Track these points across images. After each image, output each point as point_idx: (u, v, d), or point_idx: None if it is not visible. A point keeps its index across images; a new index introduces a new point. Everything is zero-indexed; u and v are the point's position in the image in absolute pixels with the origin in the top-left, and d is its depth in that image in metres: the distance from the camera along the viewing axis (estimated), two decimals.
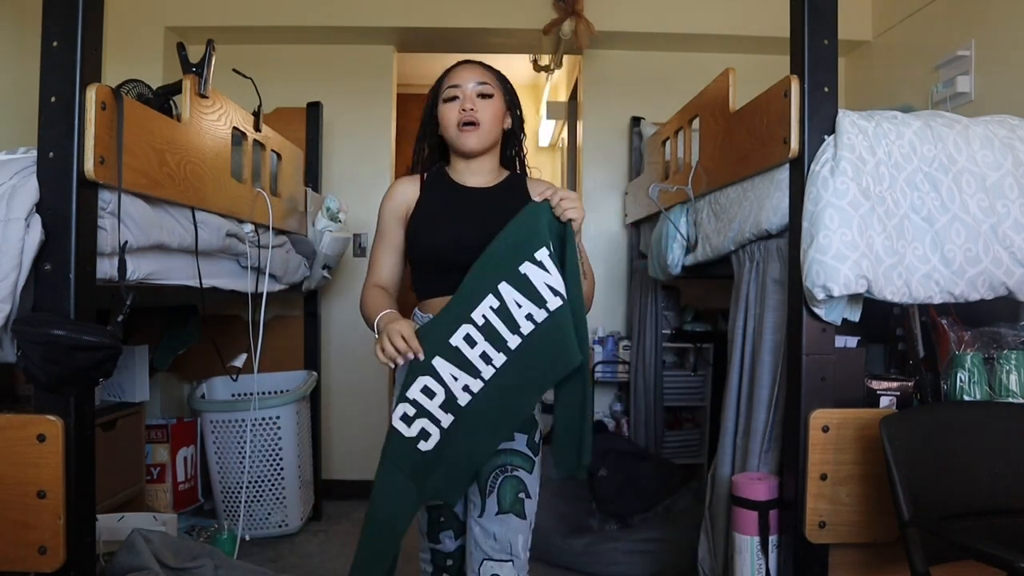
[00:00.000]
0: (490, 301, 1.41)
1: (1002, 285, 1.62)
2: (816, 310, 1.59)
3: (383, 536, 1.42)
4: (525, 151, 1.69)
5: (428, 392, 1.41)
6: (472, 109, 1.53)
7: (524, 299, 1.40)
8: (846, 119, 1.58)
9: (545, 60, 4.21)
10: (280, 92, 3.21)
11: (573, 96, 4.29)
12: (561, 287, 1.40)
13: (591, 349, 3.58)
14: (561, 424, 1.46)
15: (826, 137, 1.60)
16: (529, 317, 1.40)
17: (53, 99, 1.40)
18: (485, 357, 1.41)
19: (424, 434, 1.41)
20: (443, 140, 1.60)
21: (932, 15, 3.00)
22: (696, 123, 2.42)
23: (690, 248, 2.41)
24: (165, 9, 3.40)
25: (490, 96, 1.56)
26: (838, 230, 1.51)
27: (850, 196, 1.52)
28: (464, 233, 1.50)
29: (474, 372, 1.41)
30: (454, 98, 1.55)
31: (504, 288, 1.40)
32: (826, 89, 1.60)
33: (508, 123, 1.62)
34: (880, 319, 1.90)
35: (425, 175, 1.61)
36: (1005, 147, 1.64)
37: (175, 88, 2.00)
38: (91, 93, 1.41)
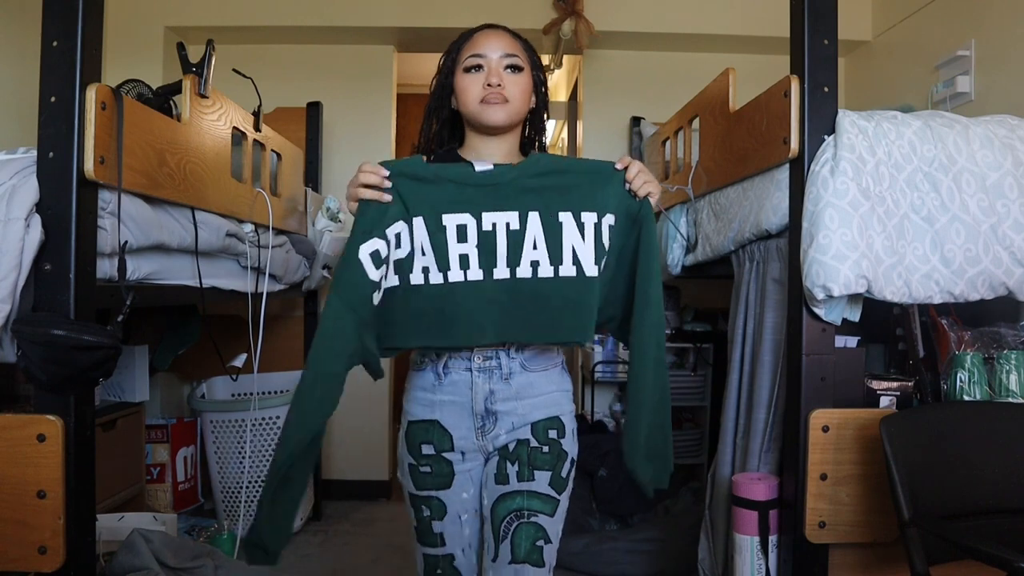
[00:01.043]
0: (509, 217, 1.25)
1: (1002, 285, 1.62)
2: (816, 310, 1.59)
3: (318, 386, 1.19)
4: (545, 128, 1.51)
5: (398, 242, 1.25)
6: (499, 85, 1.32)
7: (544, 243, 1.25)
8: (846, 119, 1.58)
9: (545, 60, 4.21)
10: (280, 92, 3.21)
11: (573, 96, 4.29)
12: (590, 263, 1.26)
13: (591, 348, 3.58)
14: (632, 424, 1.27)
15: (826, 137, 1.60)
16: (534, 264, 1.25)
17: (53, 99, 1.40)
18: (464, 261, 1.24)
19: (377, 286, 1.22)
20: (455, 116, 1.41)
21: (932, 15, 3.00)
22: (696, 123, 2.42)
23: (690, 248, 2.41)
24: (165, 9, 3.40)
25: (520, 69, 1.36)
26: (838, 230, 1.51)
27: (850, 196, 1.52)
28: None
29: (442, 263, 1.24)
30: (477, 67, 1.34)
31: (532, 218, 1.25)
32: (826, 89, 1.60)
33: (533, 102, 1.42)
34: (880, 319, 1.90)
35: (431, 157, 1.41)
36: (1005, 147, 1.64)
37: (175, 88, 2.00)
38: (91, 93, 1.41)
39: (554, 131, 5.76)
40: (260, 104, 2.47)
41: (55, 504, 1.39)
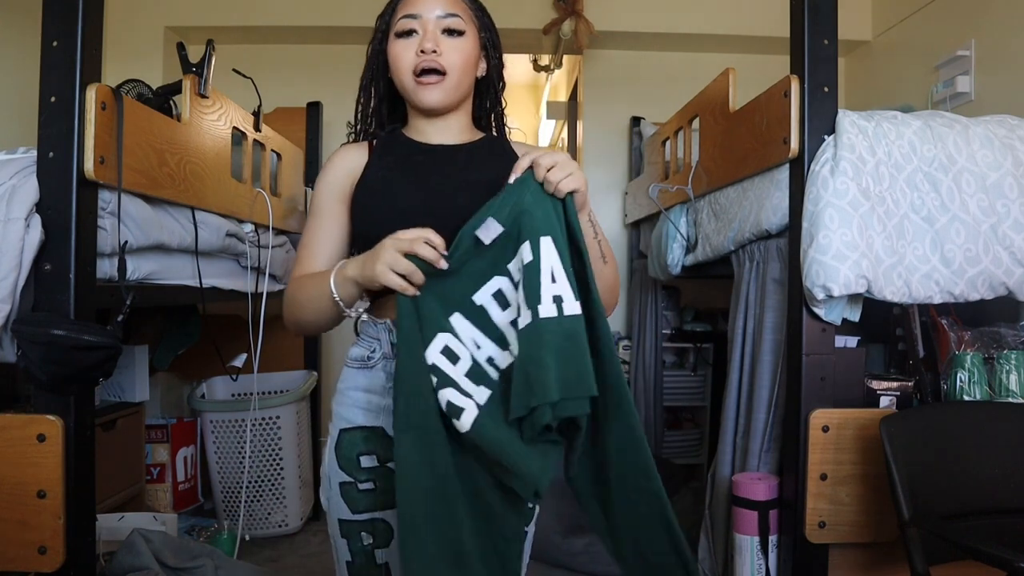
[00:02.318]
0: (524, 250, 1.01)
1: (1002, 285, 1.62)
2: (816, 310, 1.59)
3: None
4: (504, 104, 1.30)
5: (451, 355, 1.01)
6: (434, 51, 1.13)
7: (564, 275, 1.00)
8: (846, 119, 1.58)
9: (545, 60, 4.21)
10: (280, 92, 3.21)
11: (573, 96, 4.29)
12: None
13: None
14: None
15: (826, 137, 1.60)
16: (558, 300, 0.99)
17: (53, 99, 1.40)
18: (515, 323, 1.02)
19: (455, 410, 0.98)
20: (394, 88, 1.21)
21: (932, 15, 3.00)
22: (696, 123, 2.42)
23: (690, 248, 2.41)
24: (165, 9, 3.40)
25: (460, 33, 1.16)
26: (838, 230, 1.51)
27: (850, 196, 1.52)
28: (432, 195, 1.13)
29: (503, 343, 1.03)
30: (410, 32, 1.15)
31: (546, 243, 1.01)
32: (826, 89, 1.60)
33: (483, 70, 1.23)
34: (880, 319, 1.90)
35: (374, 141, 1.23)
36: (1005, 147, 1.64)
37: (175, 88, 2.00)
38: (91, 93, 1.41)
39: (554, 131, 5.76)
40: (260, 104, 2.47)
41: (55, 504, 1.39)
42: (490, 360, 1.04)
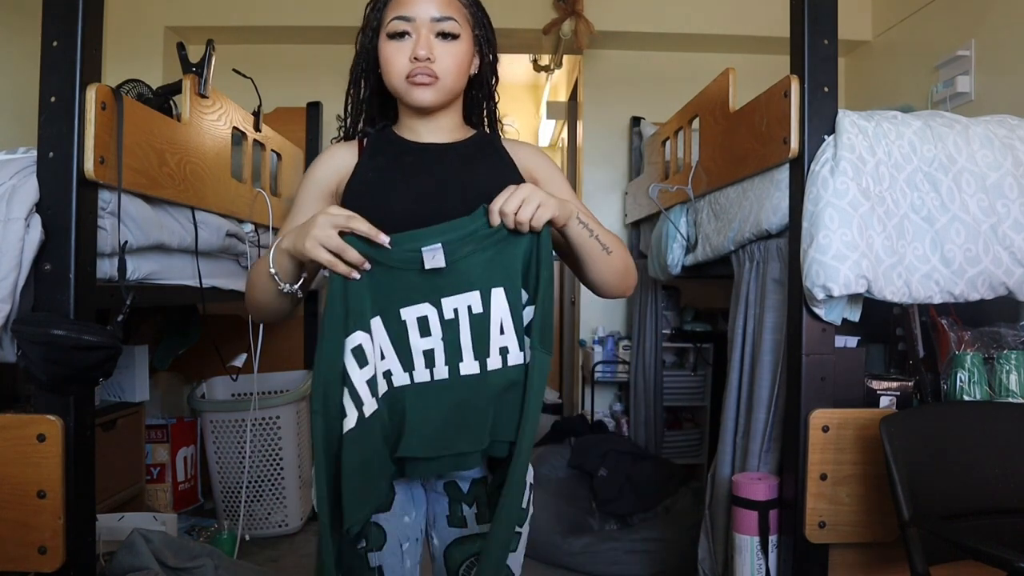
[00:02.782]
0: (471, 299, 1.04)
1: (1002, 285, 1.62)
2: (816, 310, 1.59)
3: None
4: (497, 99, 1.27)
5: (361, 357, 1.01)
6: (428, 58, 1.11)
7: (512, 326, 1.05)
8: (846, 119, 1.58)
9: (545, 60, 4.22)
10: (280, 92, 3.21)
11: (573, 96, 4.29)
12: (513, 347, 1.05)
13: (590, 348, 3.58)
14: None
15: (826, 137, 1.60)
16: (503, 352, 1.06)
17: (53, 99, 1.40)
18: (429, 358, 1.04)
19: (341, 412, 1.00)
20: (384, 85, 1.18)
21: (932, 15, 3.00)
22: (696, 123, 2.42)
23: (690, 248, 2.41)
24: (165, 9, 3.40)
25: (455, 37, 1.13)
26: (838, 230, 1.51)
27: (850, 196, 1.52)
28: (423, 196, 1.12)
29: (407, 364, 1.05)
30: (402, 35, 1.12)
31: (496, 295, 1.04)
32: (826, 89, 1.60)
33: (476, 67, 1.21)
34: (880, 319, 1.90)
35: (364, 140, 1.21)
36: (1005, 147, 1.64)
37: (175, 88, 2.00)
38: (91, 93, 1.41)
39: (554, 131, 5.76)
40: (260, 104, 2.47)
41: (55, 504, 1.39)
42: (387, 374, 1.05)
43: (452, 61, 1.13)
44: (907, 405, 1.74)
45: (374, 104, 1.23)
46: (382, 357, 1.04)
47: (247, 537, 2.80)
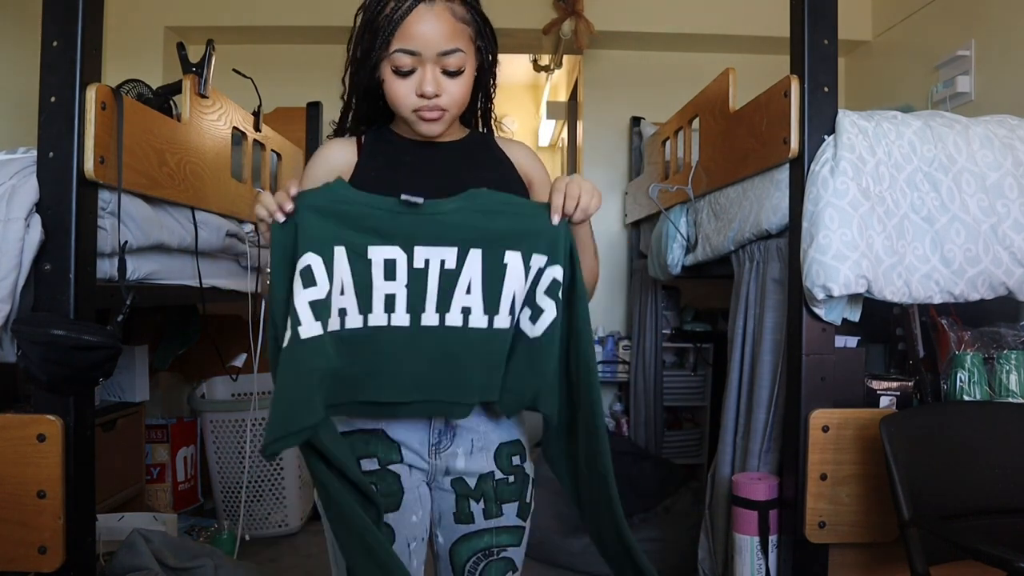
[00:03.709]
0: (445, 253, 1.05)
1: (1002, 285, 1.62)
2: (816, 310, 1.59)
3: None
4: (493, 95, 1.26)
5: (310, 279, 1.02)
6: (436, 95, 1.11)
7: (480, 288, 1.06)
8: (846, 119, 1.58)
9: (545, 60, 4.21)
10: (280, 92, 3.20)
11: (573, 96, 4.29)
12: (524, 316, 1.08)
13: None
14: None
15: (826, 137, 1.60)
16: (466, 311, 1.06)
17: (53, 99, 1.40)
18: (389, 303, 1.05)
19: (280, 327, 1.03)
20: (379, 101, 1.19)
21: (932, 15, 3.00)
22: (696, 123, 2.42)
23: (690, 248, 2.41)
24: (165, 9, 3.40)
25: (460, 73, 1.12)
26: (838, 230, 1.51)
27: (850, 196, 1.52)
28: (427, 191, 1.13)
29: (364, 306, 1.05)
30: (409, 71, 1.10)
31: (472, 256, 1.05)
32: (826, 89, 1.60)
33: (475, 70, 1.19)
34: (880, 319, 1.90)
35: (362, 137, 1.22)
36: (1005, 147, 1.64)
37: (175, 88, 2.00)
38: (91, 93, 1.41)
39: (554, 131, 5.76)
40: (260, 104, 2.47)
41: (55, 504, 1.39)
42: (342, 312, 1.04)
43: (459, 92, 1.14)
44: (907, 405, 1.74)
45: (371, 108, 1.22)
46: (341, 292, 1.04)
47: (247, 537, 2.79)
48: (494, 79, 1.25)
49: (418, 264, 1.05)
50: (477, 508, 1.18)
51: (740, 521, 1.75)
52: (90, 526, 1.48)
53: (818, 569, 1.63)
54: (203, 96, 1.99)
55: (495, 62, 1.23)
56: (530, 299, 1.09)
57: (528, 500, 1.21)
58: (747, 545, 1.74)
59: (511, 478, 1.19)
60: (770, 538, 1.72)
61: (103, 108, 1.43)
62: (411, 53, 1.09)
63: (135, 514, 2.36)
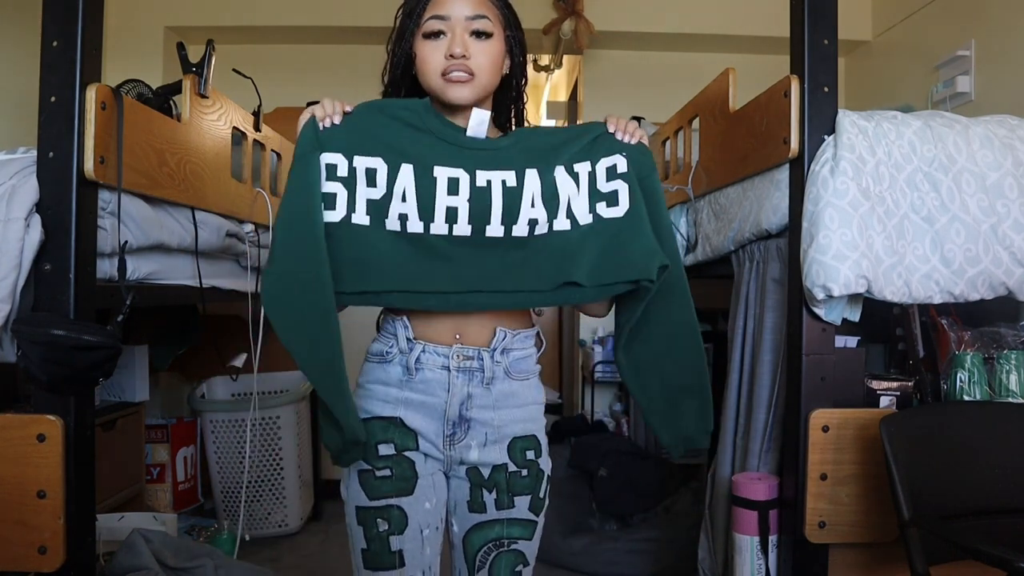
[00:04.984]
0: (506, 175, 1.15)
1: (1002, 285, 1.62)
2: (816, 310, 1.59)
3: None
4: (525, 99, 1.30)
5: (372, 180, 1.12)
6: (464, 56, 1.15)
7: (541, 201, 1.16)
8: (846, 119, 1.58)
9: (545, 60, 4.21)
10: (280, 92, 3.20)
11: (573, 96, 4.29)
12: (584, 213, 1.18)
13: (590, 348, 3.58)
14: (660, 390, 1.28)
15: (826, 137, 1.60)
16: (532, 223, 1.15)
17: (53, 99, 1.40)
18: (451, 215, 1.13)
19: (330, 200, 1.12)
20: (417, 82, 1.22)
21: (932, 15, 3.00)
22: (696, 123, 2.42)
23: (690, 248, 2.41)
24: (165, 9, 3.40)
25: (488, 36, 1.17)
26: (838, 230, 1.51)
27: (850, 196, 1.52)
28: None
29: (425, 214, 1.13)
30: (438, 34, 1.16)
31: (530, 175, 1.16)
32: (826, 89, 1.60)
33: (507, 67, 1.24)
34: (880, 319, 1.90)
35: None
36: (1005, 147, 1.64)
37: (175, 88, 2.00)
38: (91, 93, 1.41)
39: None
40: (260, 104, 2.47)
41: (55, 504, 1.39)
42: (403, 217, 1.12)
43: (486, 59, 1.17)
44: (907, 405, 1.74)
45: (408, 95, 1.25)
46: (403, 199, 1.12)
47: (247, 537, 2.80)
48: (525, 79, 1.29)
49: (480, 183, 1.14)
50: (490, 498, 1.21)
51: (740, 521, 1.75)
52: (90, 526, 1.48)
53: (818, 569, 1.63)
54: (203, 96, 1.99)
55: (524, 62, 1.27)
56: (596, 194, 1.19)
57: (542, 496, 1.23)
58: (747, 545, 1.74)
59: (524, 471, 1.21)
60: (770, 538, 1.72)
61: (103, 108, 1.43)
62: (440, 18, 1.16)
63: (135, 514, 2.36)
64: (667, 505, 2.86)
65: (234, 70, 2.42)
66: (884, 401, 1.75)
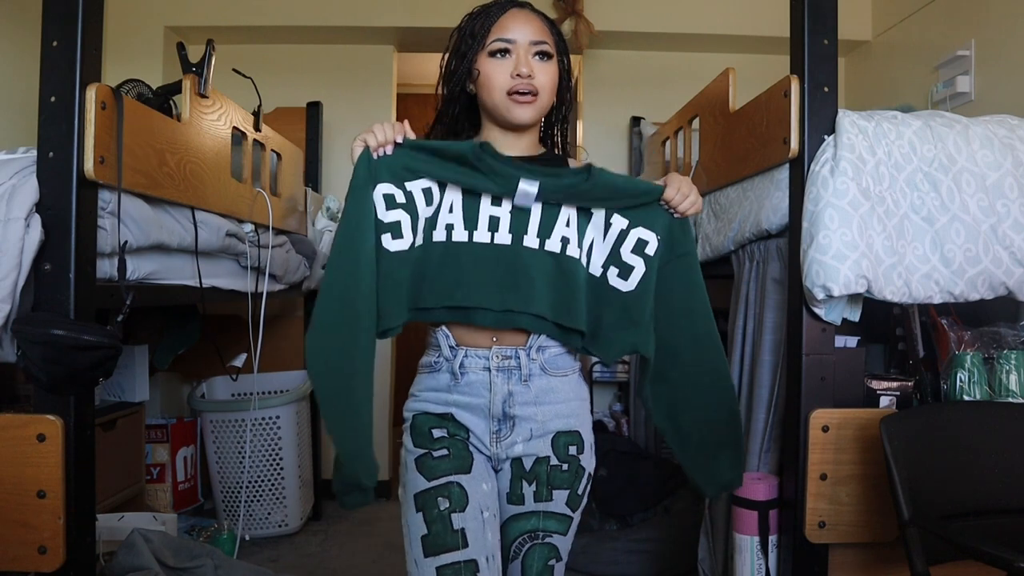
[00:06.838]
0: (568, 212, 1.21)
1: (1002, 285, 1.62)
2: (816, 310, 1.59)
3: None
4: (568, 117, 1.39)
5: (428, 199, 1.18)
6: (529, 76, 1.22)
7: (576, 226, 1.21)
8: (846, 119, 1.58)
9: None
10: (280, 92, 3.21)
11: (573, 96, 4.29)
12: (596, 265, 1.24)
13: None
14: (695, 439, 1.29)
15: (826, 137, 1.60)
16: (564, 241, 1.21)
17: (53, 99, 1.40)
18: (493, 223, 1.18)
19: (396, 229, 1.17)
20: (470, 100, 1.30)
21: (932, 15, 3.00)
22: (696, 123, 2.42)
23: None
24: (165, 9, 3.40)
25: (550, 57, 1.25)
26: (838, 230, 1.51)
27: (850, 196, 1.52)
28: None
29: (470, 223, 1.19)
30: (504, 52, 1.23)
31: (567, 209, 1.21)
32: (826, 89, 1.60)
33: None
34: (880, 319, 1.90)
35: None
36: (1005, 147, 1.64)
37: (175, 88, 2.00)
38: (91, 93, 1.41)
39: None
40: (260, 104, 2.47)
41: (55, 504, 1.39)
42: (449, 227, 1.19)
43: (548, 79, 1.25)
44: (907, 405, 1.74)
45: (463, 122, 1.32)
46: (450, 211, 1.19)
47: (247, 537, 2.80)
48: (569, 101, 1.35)
49: (534, 210, 1.20)
50: (529, 490, 1.24)
51: (740, 521, 1.75)
52: (90, 526, 1.48)
53: (818, 569, 1.63)
54: (203, 96, 1.99)
55: (571, 86, 1.34)
56: (615, 258, 1.24)
57: (580, 492, 1.26)
58: (747, 545, 1.74)
59: (565, 466, 1.24)
60: (770, 538, 1.72)
61: (103, 108, 1.43)
62: (506, 40, 1.23)
63: (135, 514, 2.36)
64: (667, 505, 2.86)
65: (234, 70, 2.42)
66: (884, 401, 1.75)
